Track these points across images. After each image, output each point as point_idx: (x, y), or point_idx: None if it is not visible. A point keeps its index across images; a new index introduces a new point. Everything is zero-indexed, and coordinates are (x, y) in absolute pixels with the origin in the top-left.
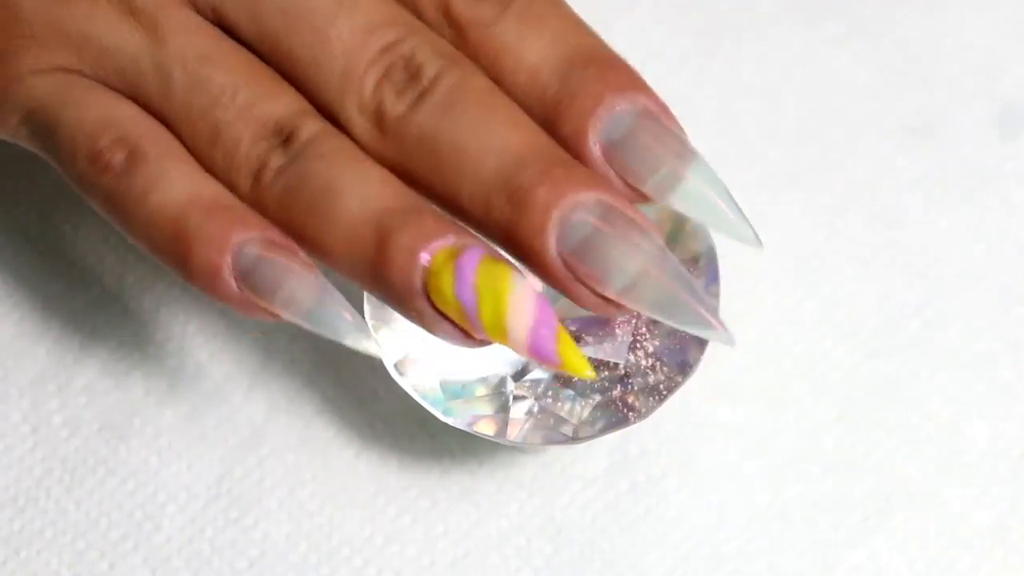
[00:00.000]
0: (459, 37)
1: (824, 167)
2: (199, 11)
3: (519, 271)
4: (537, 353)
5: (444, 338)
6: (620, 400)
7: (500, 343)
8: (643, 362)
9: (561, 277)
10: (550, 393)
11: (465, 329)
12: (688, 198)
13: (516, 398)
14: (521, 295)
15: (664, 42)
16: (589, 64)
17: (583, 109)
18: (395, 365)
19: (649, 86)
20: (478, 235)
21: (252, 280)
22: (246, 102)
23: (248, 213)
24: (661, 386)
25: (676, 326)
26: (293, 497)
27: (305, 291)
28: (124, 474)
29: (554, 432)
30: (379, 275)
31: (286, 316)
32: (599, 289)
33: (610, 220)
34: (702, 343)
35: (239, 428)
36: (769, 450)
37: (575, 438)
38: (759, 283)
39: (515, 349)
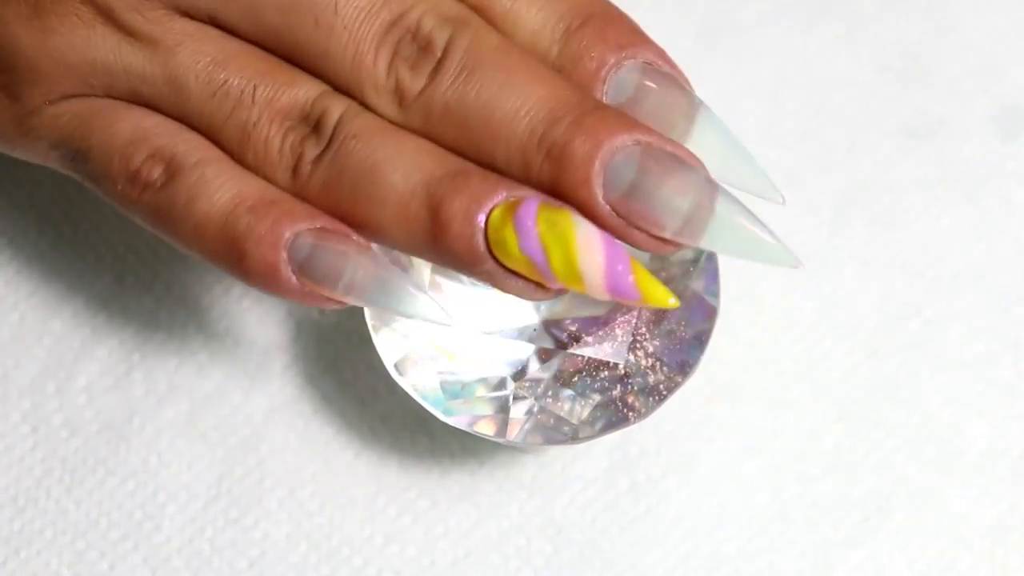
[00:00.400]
0: None
1: (824, 167)
2: (195, 18)
3: (578, 214)
4: (617, 292)
5: (518, 294)
6: (620, 400)
7: (576, 289)
8: (643, 362)
9: (614, 225)
10: (550, 393)
11: (538, 281)
12: (700, 155)
13: (516, 398)
14: (588, 237)
15: (664, 42)
16: (585, 23)
17: (586, 74)
18: (395, 365)
19: (648, 36)
20: (525, 186)
21: (310, 271)
22: (266, 97)
23: (295, 204)
24: (661, 386)
25: (740, 256)
26: (293, 497)
27: (365, 274)
28: (124, 474)
29: (554, 432)
30: (439, 245)
31: (350, 301)
32: (655, 231)
33: (653, 159)
34: (702, 343)
35: (239, 428)
36: (769, 450)
37: (575, 438)
38: (759, 283)
39: (593, 293)
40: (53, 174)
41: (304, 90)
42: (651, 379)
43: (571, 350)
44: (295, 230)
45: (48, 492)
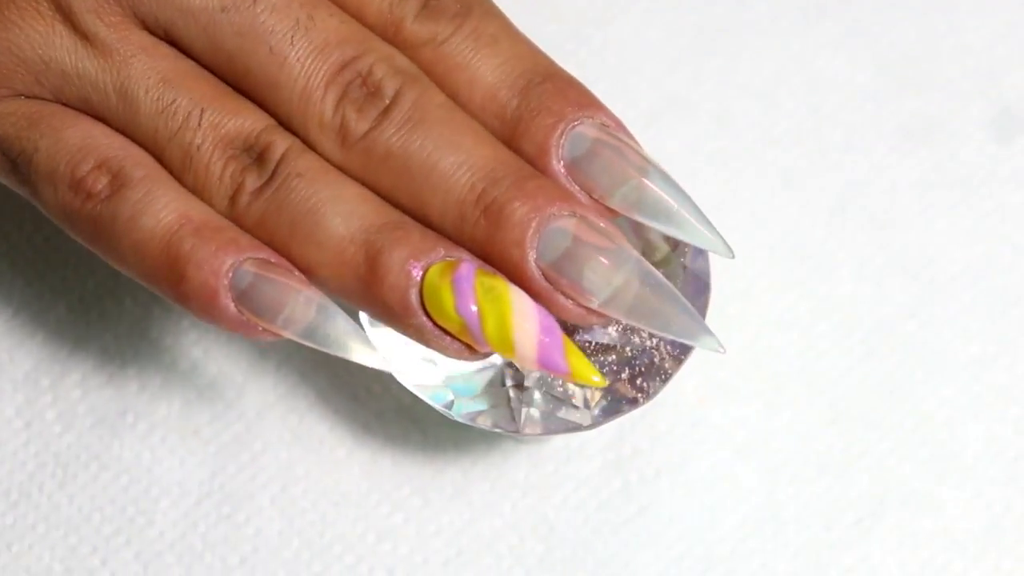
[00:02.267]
0: (411, 57)
1: (821, 168)
2: (151, 32)
3: (514, 284)
4: (546, 365)
5: (444, 352)
6: (630, 382)
7: (505, 356)
8: (647, 343)
9: (541, 288)
10: (557, 381)
11: (467, 343)
12: (653, 211)
13: (520, 388)
14: (524, 307)
15: (661, 42)
16: (546, 81)
17: (545, 126)
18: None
19: (604, 104)
20: (462, 248)
21: (250, 301)
22: (212, 122)
23: (240, 234)
24: (666, 365)
25: (661, 334)
26: (286, 494)
27: (306, 308)
28: (117, 469)
29: (562, 420)
30: (372, 294)
31: (287, 335)
32: (581, 301)
33: (586, 232)
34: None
35: (232, 424)
36: (763, 451)
37: (588, 426)
38: (755, 284)
39: (522, 363)
40: None
41: (251, 120)
42: (656, 359)
43: (575, 336)
44: (238, 258)
45: (41, 487)
